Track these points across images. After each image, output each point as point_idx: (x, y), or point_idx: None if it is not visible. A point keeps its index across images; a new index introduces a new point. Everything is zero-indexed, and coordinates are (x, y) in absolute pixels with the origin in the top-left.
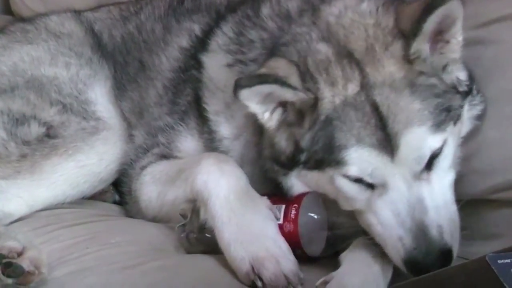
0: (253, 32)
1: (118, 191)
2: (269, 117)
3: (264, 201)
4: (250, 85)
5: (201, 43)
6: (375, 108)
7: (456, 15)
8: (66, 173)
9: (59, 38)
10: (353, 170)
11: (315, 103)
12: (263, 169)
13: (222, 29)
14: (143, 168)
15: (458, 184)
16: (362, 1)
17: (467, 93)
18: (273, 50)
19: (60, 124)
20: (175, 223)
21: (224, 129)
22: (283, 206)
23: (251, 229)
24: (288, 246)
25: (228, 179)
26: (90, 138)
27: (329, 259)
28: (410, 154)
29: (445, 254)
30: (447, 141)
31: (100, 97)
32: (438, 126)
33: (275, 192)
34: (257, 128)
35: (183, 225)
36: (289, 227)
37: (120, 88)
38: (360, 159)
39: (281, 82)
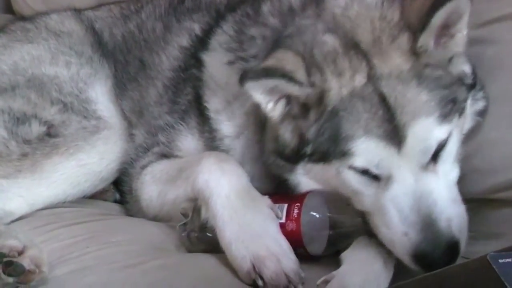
0: (253, 29)
1: (119, 190)
2: (272, 108)
3: (265, 200)
4: (257, 77)
5: (201, 42)
6: (383, 99)
7: (464, 10)
8: (66, 172)
9: (60, 37)
10: (359, 161)
11: (320, 96)
12: (267, 164)
13: (222, 28)
14: (144, 167)
15: (460, 183)
16: None
17: (471, 86)
18: (276, 42)
19: (61, 123)
20: (176, 222)
21: (225, 127)
22: (285, 205)
23: (252, 228)
24: (289, 245)
25: (229, 178)
26: (91, 137)
27: (330, 258)
28: (417, 145)
29: (453, 247)
30: (452, 133)
31: (100, 96)
32: (445, 117)
33: (277, 191)
34: (259, 126)
35: (184, 224)
36: (291, 226)
37: (121, 87)
38: (367, 150)
39: (288, 77)
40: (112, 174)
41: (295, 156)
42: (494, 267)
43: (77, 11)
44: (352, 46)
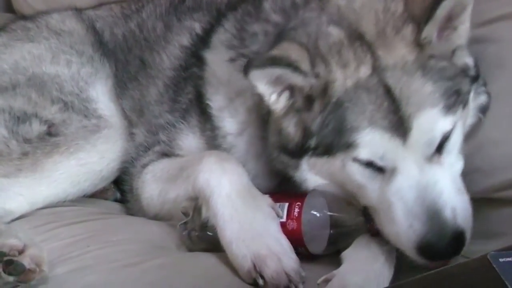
0: (255, 25)
1: (119, 189)
2: (275, 100)
3: (266, 199)
4: (262, 66)
5: (202, 41)
6: (388, 90)
7: (468, 2)
8: (67, 171)
9: (60, 36)
10: (364, 153)
11: (325, 87)
12: (271, 159)
13: (223, 26)
14: (144, 166)
15: None
16: None
17: (475, 78)
18: (280, 35)
19: (61, 122)
20: (176, 221)
21: (228, 124)
22: (286, 204)
23: (253, 227)
24: (290, 244)
25: (230, 177)
26: (92, 136)
27: (330, 257)
28: (422, 137)
29: (458, 238)
30: (456, 125)
31: (101, 95)
32: (449, 108)
33: (280, 188)
34: (262, 122)
35: (185, 223)
36: (292, 225)
37: (121, 86)
38: (372, 141)
39: (294, 66)
40: (112, 173)
41: (299, 150)
42: (495, 266)
43: (78, 11)
44: (357, 37)
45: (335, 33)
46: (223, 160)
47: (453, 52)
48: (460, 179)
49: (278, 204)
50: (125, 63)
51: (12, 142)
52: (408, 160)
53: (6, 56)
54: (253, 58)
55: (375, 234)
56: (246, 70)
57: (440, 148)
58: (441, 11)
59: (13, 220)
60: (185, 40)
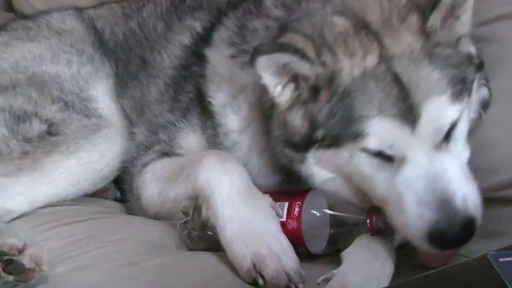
0: (256, 22)
1: (120, 189)
2: (280, 92)
3: (266, 199)
4: (269, 51)
5: (203, 40)
6: (396, 78)
7: None
8: (67, 171)
9: (61, 35)
10: (373, 142)
11: (331, 77)
12: (275, 152)
13: (224, 24)
14: (145, 165)
15: None
16: None
17: (479, 67)
18: (283, 28)
19: (61, 122)
20: (176, 220)
21: (231, 121)
22: (286, 204)
23: (253, 226)
24: (290, 244)
25: (231, 176)
26: (92, 135)
27: (330, 256)
28: (431, 124)
29: (469, 225)
30: (463, 113)
31: (101, 94)
32: (456, 96)
33: (284, 185)
34: (264, 117)
35: (185, 222)
36: (292, 224)
37: (122, 85)
38: (381, 130)
39: (301, 53)
40: (112, 172)
41: (306, 143)
42: (495, 266)
43: (79, 10)
44: (363, 27)
45: (341, 23)
46: (223, 160)
47: (457, 40)
48: (467, 167)
49: (278, 203)
50: (125, 62)
51: (12, 141)
52: (417, 148)
53: (7, 55)
54: (260, 45)
55: (376, 233)
56: (253, 57)
57: (447, 137)
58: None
59: (13, 219)
60: (185, 39)
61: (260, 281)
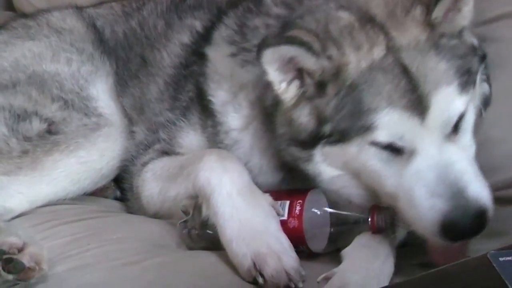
0: (256, 20)
1: (119, 188)
2: (285, 88)
3: (267, 198)
4: (276, 43)
5: (203, 39)
6: (404, 70)
7: None
8: (67, 169)
9: (61, 34)
10: (382, 134)
11: (338, 70)
12: (278, 150)
13: (224, 23)
14: (145, 164)
15: None
16: None
17: (482, 58)
18: (286, 26)
19: (61, 120)
20: (176, 219)
21: (232, 119)
22: (287, 202)
23: (253, 225)
24: (290, 243)
25: (231, 175)
26: (92, 134)
27: (331, 255)
28: (440, 115)
29: (482, 215)
30: (469, 106)
31: (101, 93)
32: (463, 87)
33: (285, 182)
34: (265, 115)
35: (185, 221)
36: (293, 223)
37: (122, 84)
38: (391, 122)
39: (307, 46)
40: (112, 171)
41: (312, 140)
42: (495, 265)
43: (79, 9)
44: (368, 20)
45: (345, 17)
46: (224, 159)
47: (460, 32)
48: (475, 162)
49: (279, 202)
50: (125, 61)
51: (12, 140)
52: (427, 139)
53: (7, 54)
54: (266, 38)
55: (377, 231)
56: (259, 50)
57: (455, 129)
58: None
59: (13, 218)
60: (185, 38)
61: (260, 280)
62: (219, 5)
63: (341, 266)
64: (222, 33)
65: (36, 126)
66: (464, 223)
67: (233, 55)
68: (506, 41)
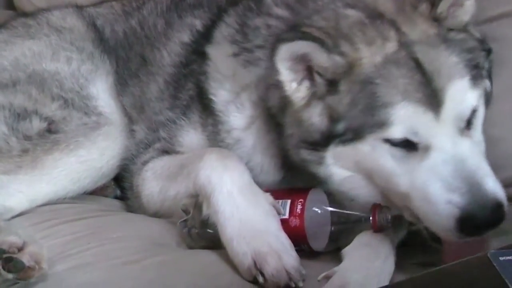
0: (257, 20)
1: (120, 186)
2: (296, 88)
3: (267, 197)
4: (291, 39)
5: (203, 37)
6: (417, 64)
7: None
8: (67, 168)
9: (61, 33)
10: (397, 130)
11: (351, 66)
12: (287, 150)
13: (225, 21)
14: (145, 163)
15: None
16: None
17: (488, 52)
18: (294, 27)
19: (61, 119)
20: (177, 218)
21: (235, 119)
22: (289, 201)
23: (253, 224)
24: (290, 242)
25: (231, 174)
26: (92, 133)
27: (331, 253)
28: (454, 109)
29: (499, 209)
30: (480, 101)
31: (101, 92)
32: (475, 81)
33: (288, 181)
34: (268, 116)
35: (185, 220)
36: (295, 222)
37: (122, 83)
38: (406, 116)
39: (321, 42)
40: (112, 170)
41: (325, 140)
42: (495, 264)
43: (79, 8)
44: (377, 16)
45: (354, 14)
46: (224, 157)
47: (466, 26)
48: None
49: (280, 201)
50: (125, 60)
51: (12, 139)
52: (442, 134)
53: (7, 53)
54: (282, 34)
55: (379, 230)
56: (275, 47)
57: (468, 123)
58: None
59: (13, 217)
60: (185, 37)
61: (261, 279)
62: (219, 3)
63: (341, 265)
64: (223, 31)
65: (36, 125)
66: (481, 217)
67: (235, 55)
68: (506, 40)
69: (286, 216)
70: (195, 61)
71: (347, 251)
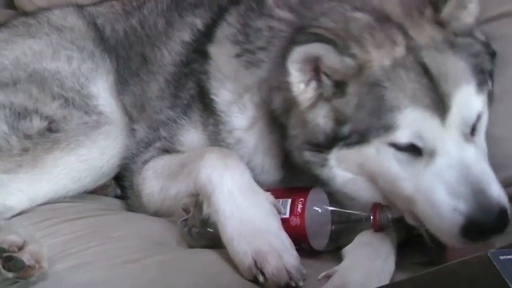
0: (259, 21)
1: (120, 186)
2: (304, 89)
3: (268, 196)
4: (307, 41)
5: (204, 37)
6: (425, 69)
7: None
8: (67, 167)
9: (61, 32)
10: (404, 134)
11: (360, 68)
12: (289, 151)
13: (227, 21)
14: (145, 162)
15: None
16: None
17: (493, 56)
18: (301, 28)
19: (62, 118)
20: (177, 217)
21: (237, 119)
22: (289, 200)
23: (254, 223)
24: (291, 241)
25: (232, 173)
26: (92, 132)
27: (332, 253)
28: (460, 115)
29: (504, 216)
30: (484, 106)
31: (102, 91)
32: (480, 86)
33: (288, 181)
34: (270, 118)
35: (186, 219)
36: (295, 221)
37: (122, 82)
38: (413, 120)
39: (334, 44)
40: (113, 169)
41: (329, 142)
42: (495, 264)
43: (79, 7)
44: (385, 20)
45: (363, 17)
46: (225, 156)
47: (471, 30)
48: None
49: (280, 200)
50: (126, 59)
51: (12, 138)
52: (447, 139)
53: (7, 52)
54: (299, 34)
55: (379, 229)
56: (289, 49)
57: (472, 129)
58: None
59: (13, 216)
60: (186, 36)
61: (261, 278)
62: (220, 2)
63: (342, 264)
64: (225, 31)
65: (37, 124)
66: (486, 224)
67: (237, 56)
68: (507, 39)
69: (287, 215)
70: (196, 60)
71: (347, 250)
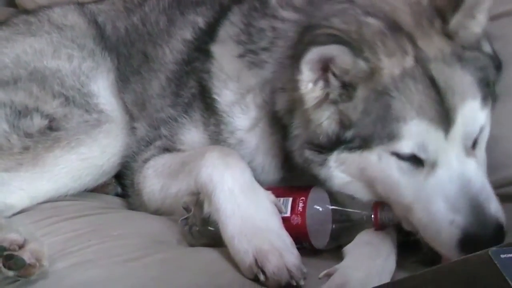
0: (262, 21)
1: (121, 184)
2: (312, 88)
3: (268, 195)
4: (326, 42)
5: (206, 35)
6: (433, 81)
7: None
8: (68, 166)
9: (62, 30)
10: (407, 145)
11: (372, 73)
12: (290, 151)
13: (230, 20)
14: (146, 161)
15: None
16: None
17: (498, 68)
18: (310, 28)
19: (62, 117)
20: (178, 216)
21: (239, 120)
22: (290, 199)
23: (255, 222)
24: (292, 240)
25: (233, 172)
26: (93, 130)
27: (332, 252)
28: (464, 129)
29: (500, 231)
30: (487, 119)
31: (102, 89)
32: (485, 100)
33: (288, 181)
34: (272, 119)
35: (186, 218)
36: (296, 219)
37: (123, 80)
38: (418, 132)
39: (351, 46)
40: (113, 167)
41: (331, 144)
42: (496, 262)
43: (80, 5)
44: (397, 28)
45: (375, 23)
46: (226, 155)
47: (479, 41)
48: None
49: (281, 199)
50: (127, 57)
51: (13, 136)
52: (449, 152)
53: (8, 50)
54: (316, 35)
55: (380, 228)
56: (306, 48)
57: (473, 143)
58: (470, 0)
59: (13, 215)
60: (188, 34)
61: (262, 277)
62: (222, 1)
63: (343, 262)
64: (228, 30)
65: (37, 122)
66: (483, 238)
67: (240, 56)
68: (507, 39)
69: (288, 214)
70: (197, 58)
71: (348, 249)
